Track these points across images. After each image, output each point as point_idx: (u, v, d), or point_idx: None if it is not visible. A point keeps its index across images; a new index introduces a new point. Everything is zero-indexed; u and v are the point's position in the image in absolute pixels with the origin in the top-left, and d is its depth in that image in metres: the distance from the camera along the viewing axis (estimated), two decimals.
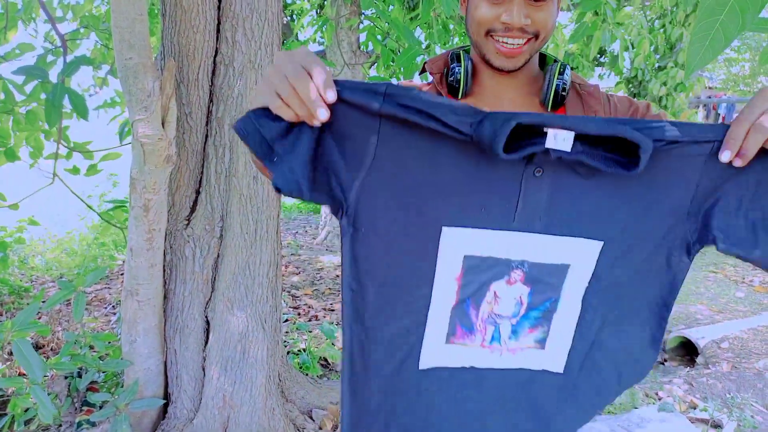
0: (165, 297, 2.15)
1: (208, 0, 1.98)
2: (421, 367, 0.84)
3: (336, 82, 0.72)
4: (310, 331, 3.45)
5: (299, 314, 3.93)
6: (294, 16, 6.05)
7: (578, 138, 0.72)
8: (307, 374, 2.79)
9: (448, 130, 0.72)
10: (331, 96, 0.70)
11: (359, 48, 5.11)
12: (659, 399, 3.05)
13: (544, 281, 0.81)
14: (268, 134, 0.73)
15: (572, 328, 0.84)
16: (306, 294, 4.41)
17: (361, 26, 4.26)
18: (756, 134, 0.70)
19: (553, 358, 0.86)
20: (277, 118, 0.72)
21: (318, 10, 5.43)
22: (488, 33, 0.96)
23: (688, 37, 5.14)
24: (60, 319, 3.29)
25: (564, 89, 0.98)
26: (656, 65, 5.92)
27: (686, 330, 4.07)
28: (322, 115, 0.70)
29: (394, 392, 0.85)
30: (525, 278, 0.81)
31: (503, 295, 0.82)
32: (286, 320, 3.70)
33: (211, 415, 2.10)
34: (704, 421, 2.76)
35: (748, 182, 0.76)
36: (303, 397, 2.42)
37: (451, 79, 1.02)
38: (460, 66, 1.01)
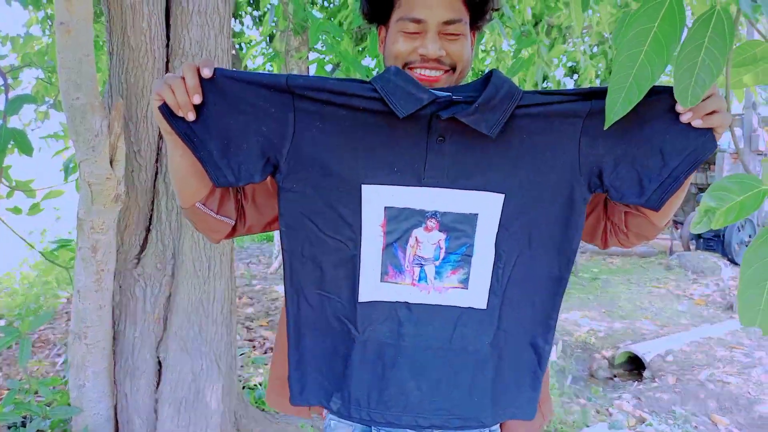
0: (114, 339, 2.09)
1: (157, 39, 1.98)
2: (360, 300, 0.97)
3: (242, 72, 0.90)
4: (266, 365, 3.41)
5: (254, 347, 3.87)
6: (243, 45, 6.06)
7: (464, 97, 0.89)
8: (263, 410, 2.75)
9: (356, 99, 0.88)
10: (207, 71, 0.87)
11: None
12: (610, 415, 3.15)
13: (458, 229, 0.95)
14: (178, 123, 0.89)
15: (489, 270, 0.96)
16: (261, 325, 4.35)
17: (311, 57, 4.31)
18: (714, 100, 0.84)
19: (476, 296, 0.97)
20: (176, 117, 0.88)
21: (268, 40, 5.46)
22: (406, 65, 1.02)
23: None
24: (2, 363, 3.14)
25: None
26: None
27: (633, 345, 4.22)
28: (196, 99, 0.87)
29: (335, 326, 0.99)
30: (440, 226, 0.94)
31: (424, 240, 0.95)
32: (242, 354, 3.64)
33: None
34: None
35: (636, 141, 0.89)
36: None
37: None
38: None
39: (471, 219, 0.94)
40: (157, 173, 2.10)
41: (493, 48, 4.85)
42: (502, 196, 0.93)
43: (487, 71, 0.93)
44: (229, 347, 2.20)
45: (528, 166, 0.92)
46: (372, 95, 0.88)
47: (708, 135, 0.86)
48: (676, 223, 8.41)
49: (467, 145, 0.90)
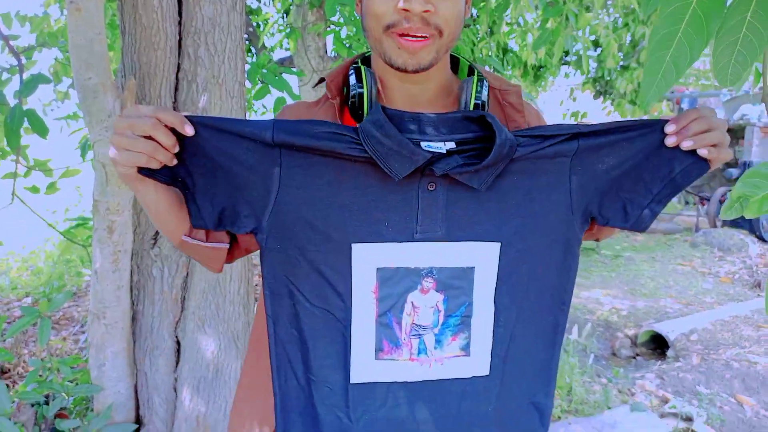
0: (133, 319, 2.11)
1: (169, 16, 1.94)
2: (352, 381, 0.88)
3: (228, 119, 0.81)
4: None
5: None
6: (261, 24, 6.00)
7: (456, 143, 0.83)
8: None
9: (344, 152, 0.80)
10: (190, 130, 0.76)
11: (326, 53, 5.09)
12: (632, 395, 3.11)
13: (455, 286, 0.87)
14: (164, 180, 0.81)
15: (490, 330, 0.90)
16: None
17: (328, 30, 4.24)
18: (700, 121, 0.83)
19: (479, 362, 0.91)
20: (155, 170, 0.79)
21: (284, 16, 5.39)
22: (388, 28, 0.88)
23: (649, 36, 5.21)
24: (26, 341, 3.21)
25: (483, 108, 0.94)
26: (620, 64, 6.03)
27: (656, 324, 4.15)
28: (174, 161, 0.78)
29: (324, 417, 0.89)
30: (437, 285, 0.86)
31: (421, 305, 0.87)
32: None
33: None
34: (675, 416, 2.82)
35: (621, 173, 0.88)
36: None
37: (353, 101, 0.93)
38: (362, 87, 0.92)
39: (468, 273, 0.87)
40: None
41: (517, 21, 4.72)
42: (498, 245, 0.87)
43: (477, 113, 0.85)
44: (246, 327, 2.20)
45: (522, 210, 0.87)
46: (364, 156, 0.80)
47: (694, 159, 0.86)
48: (702, 200, 8.23)
49: (459, 192, 0.84)
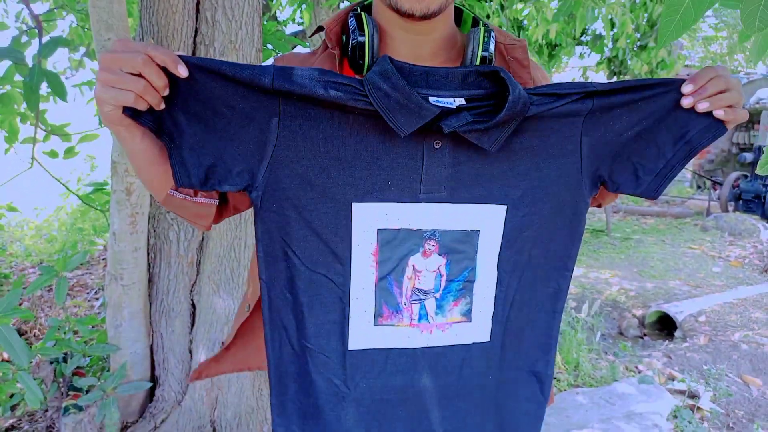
0: (150, 281, 2.14)
1: None
2: (350, 348, 0.85)
3: (224, 62, 0.72)
4: None
5: None
6: None
7: (467, 99, 0.78)
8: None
9: (348, 104, 0.74)
10: (183, 71, 0.70)
11: None
12: (639, 372, 3.13)
13: (458, 250, 0.84)
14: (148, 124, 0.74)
15: (492, 295, 0.87)
16: None
17: (342, 6, 4.21)
18: (718, 80, 0.80)
19: (480, 328, 0.89)
20: (141, 113, 0.72)
21: None
22: None
23: None
24: (42, 305, 3.26)
25: (490, 63, 0.89)
26: (637, 44, 5.95)
27: (665, 305, 4.16)
28: (162, 105, 0.71)
29: (320, 385, 0.86)
30: (439, 248, 0.83)
31: (422, 268, 0.84)
32: None
33: (199, 397, 2.12)
34: (682, 392, 2.84)
35: (633, 134, 0.85)
36: None
37: (352, 51, 0.88)
38: (364, 36, 0.87)
39: (472, 237, 0.84)
40: None
41: None
42: (505, 207, 0.83)
43: (491, 67, 0.79)
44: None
45: (530, 172, 0.83)
46: (368, 108, 0.74)
47: (710, 120, 0.82)
48: (715, 184, 8.17)
49: (465, 151, 0.80)
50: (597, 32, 6.14)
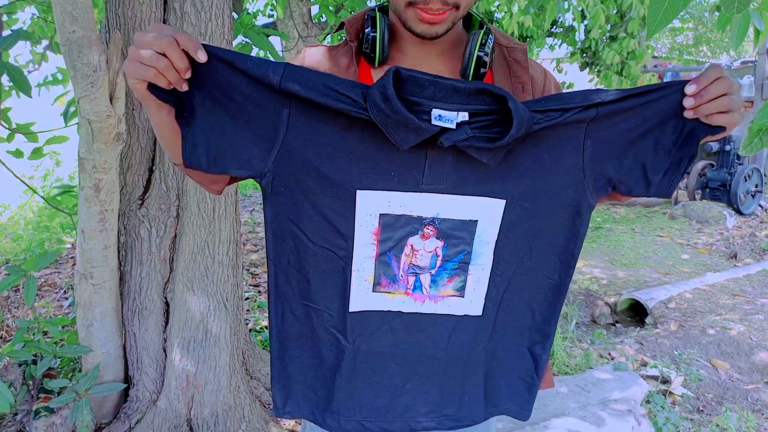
0: (121, 279, 2.09)
1: None
2: (350, 310, 0.93)
3: (241, 55, 0.80)
4: None
5: (259, 292, 3.90)
6: None
7: (470, 114, 0.81)
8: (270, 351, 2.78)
9: (350, 114, 0.80)
10: (202, 56, 0.77)
11: (311, 20, 5.00)
12: (612, 359, 3.18)
13: (456, 236, 0.90)
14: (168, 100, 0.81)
15: (486, 277, 0.93)
16: (265, 272, 4.36)
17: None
18: (721, 83, 0.82)
19: (472, 303, 0.95)
20: (164, 90, 0.79)
21: None
22: (410, 4, 0.94)
23: (637, 6, 5.21)
24: (9, 306, 3.17)
25: (484, 63, 0.98)
26: (607, 35, 6.03)
27: (636, 292, 4.24)
28: (185, 86, 0.79)
29: (322, 337, 0.94)
30: (438, 233, 0.90)
31: (420, 248, 0.91)
32: (247, 298, 3.67)
33: (175, 396, 2.08)
34: (654, 378, 2.91)
35: (638, 136, 0.88)
36: (268, 374, 2.41)
37: (366, 46, 0.99)
38: (375, 32, 0.98)
39: (470, 226, 0.90)
40: None
41: None
42: (504, 201, 0.88)
43: (496, 88, 0.81)
44: (235, 288, 2.20)
45: (532, 173, 0.88)
46: (370, 119, 0.80)
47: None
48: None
49: (467, 155, 0.84)
50: (567, 24, 6.20)
